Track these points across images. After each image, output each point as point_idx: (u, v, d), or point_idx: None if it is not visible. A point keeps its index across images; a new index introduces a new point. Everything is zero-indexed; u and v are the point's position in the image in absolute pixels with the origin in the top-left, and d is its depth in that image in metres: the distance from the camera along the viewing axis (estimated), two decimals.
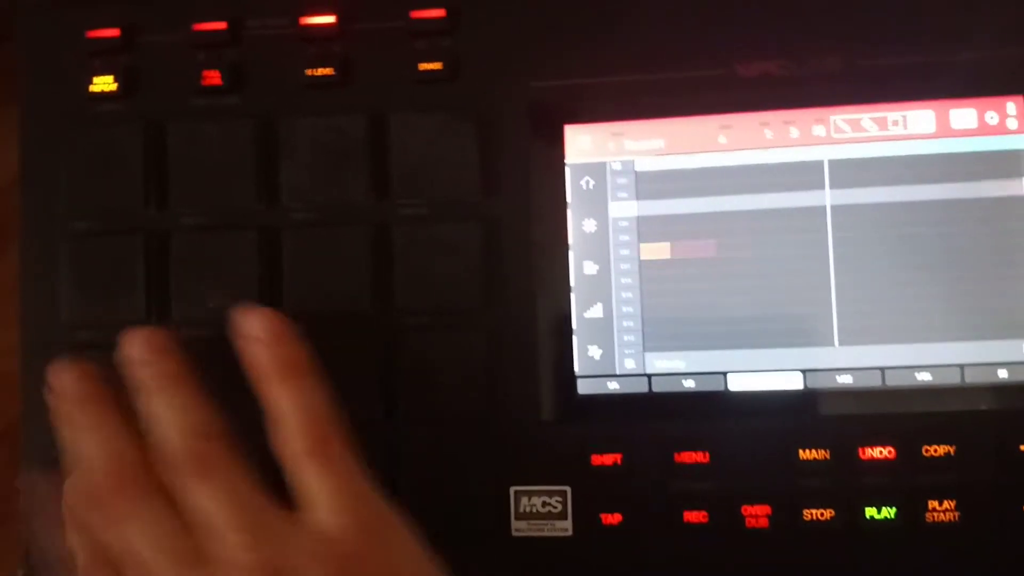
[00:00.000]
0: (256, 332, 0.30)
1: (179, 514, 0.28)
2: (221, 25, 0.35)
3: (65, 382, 0.30)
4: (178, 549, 0.28)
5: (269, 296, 0.35)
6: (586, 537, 0.34)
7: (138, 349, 0.30)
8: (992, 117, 0.34)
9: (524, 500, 0.34)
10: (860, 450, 0.33)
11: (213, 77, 0.35)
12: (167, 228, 0.35)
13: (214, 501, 0.28)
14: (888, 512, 0.33)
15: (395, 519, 0.29)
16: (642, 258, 0.34)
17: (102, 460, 0.29)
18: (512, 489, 0.34)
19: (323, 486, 0.28)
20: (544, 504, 0.34)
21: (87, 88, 0.35)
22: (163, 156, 0.35)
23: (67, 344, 0.35)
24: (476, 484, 0.35)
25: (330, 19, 0.35)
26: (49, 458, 0.35)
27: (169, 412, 0.29)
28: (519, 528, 0.34)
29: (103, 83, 0.35)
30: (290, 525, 0.28)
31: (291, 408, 0.29)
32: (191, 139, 0.35)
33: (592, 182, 0.35)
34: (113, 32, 0.35)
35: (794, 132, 0.34)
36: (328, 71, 0.35)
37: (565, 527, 0.34)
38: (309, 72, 0.35)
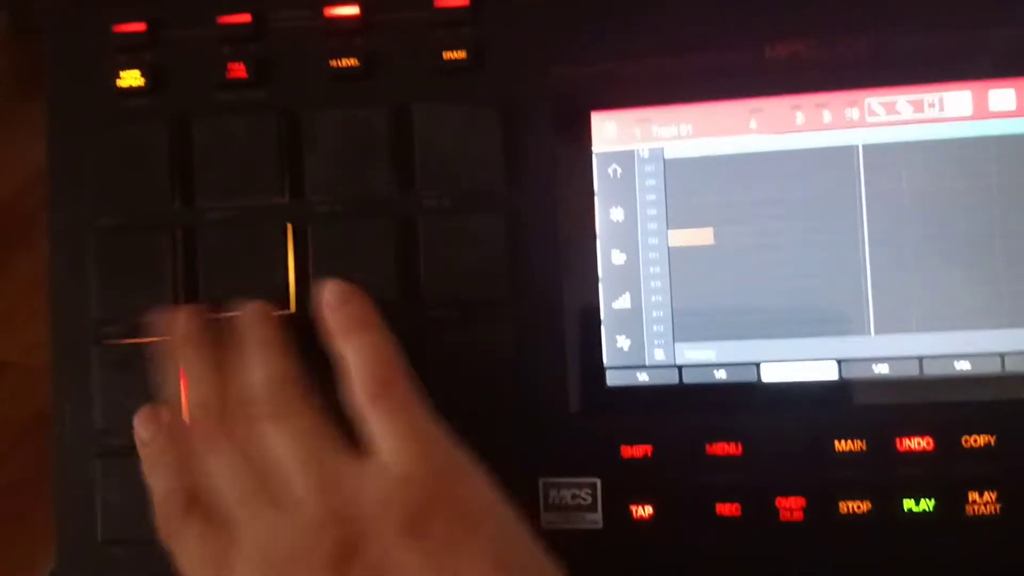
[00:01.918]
0: (328, 298, 0.31)
1: (261, 456, 0.30)
2: (246, 18, 0.35)
3: (179, 321, 0.32)
4: (256, 487, 0.29)
5: (297, 288, 0.35)
6: (616, 530, 0.34)
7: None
8: None
9: (553, 492, 0.34)
10: (897, 441, 0.33)
11: (238, 70, 0.35)
12: (194, 223, 0.35)
13: (286, 445, 0.29)
14: (927, 504, 0.32)
15: (464, 460, 0.30)
16: (671, 245, 0.34)
17: (201, 395, 0.31)
18: (541, 481, 0.34)
19: (388, 430, 0.29)
20: (574, 496, 0.34)
21: (114, 83, 0.36)
22: (189, 151, 0.35)
23: (96, 339, 0.35)
24: (505, 476, 0.34)
25: (354, 10, 0.35)
26: (79, 453, 0.35)
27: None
28: (549, 520, 0.34)
29: (131, 78, 0.35)
30: (360, 471, 0.29)
31: (356, 360, 0.30)
32: (217, 133, 0.35)
33: (619, 170, 0.34)
34: (139, 27, 0.35)
35: (827, 116, 0.33)
36: (353, 62, 0.35)
37: (595, 519, 0.34)
38: (333, 63, 0.35)
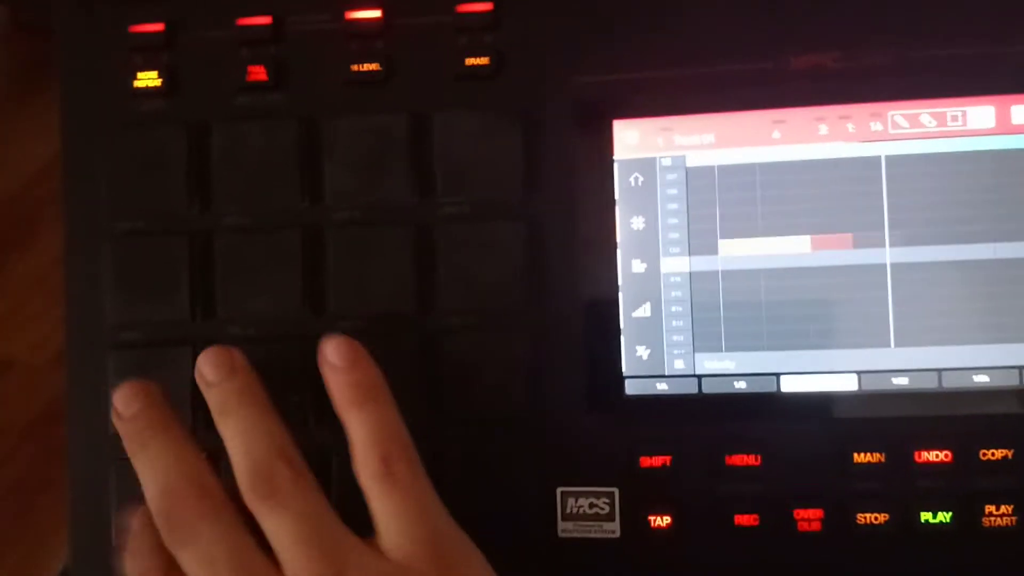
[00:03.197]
0: (331, 359, 0.30)
1: (255, 537, 0.28)
2: (265, 20, 0.35)
3: (132, 405, 0.30)
4: (256, 570, 0.28)
5: (312, 296, 0.34)
6: (634, 539, 0.34)
7: (207, 368, 0.30)
8: None
9: (571, 501, 0.34)
10: (916, 453, 0.33)
11: (258, 72, 0.34)
12: (210, 228, 0.35)
13: (284, 526, 0.28)
14: (944, 516, 0.33)
15: (465, 543, 0.29)
16: (692, 254, 0.34)
17: (177, 482, 0.29)
18: (559, 490, 0.34)
19: (390, 511, 0.28)
20: (591, 505, 0.34)
21: (131, 84, 0.35)
22: (206, 155, 0.35)
23: (112, 345, 0.35)
24: (522, 485, 0.34)
25: (375, 14, 0.34)
26: (92, 455, 0.35)
27: (237, 433, 0.29)
28: (566, 529, 0.34)
29: (147, 79, 0.35)
30: (359, 552, 0.28)
31: (360, 433, 0.29)
32: (234, 138, 0.35)
33: (641, 178, 0.34)
34: (157, 27, 0.35)
35: (850, 127, 0.33)
36: (373, 67, 0.34)
37: (613, 528, 0.34)
38: (354, 68, 0.34)
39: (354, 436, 0.29)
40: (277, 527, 0.28)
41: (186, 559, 0.28)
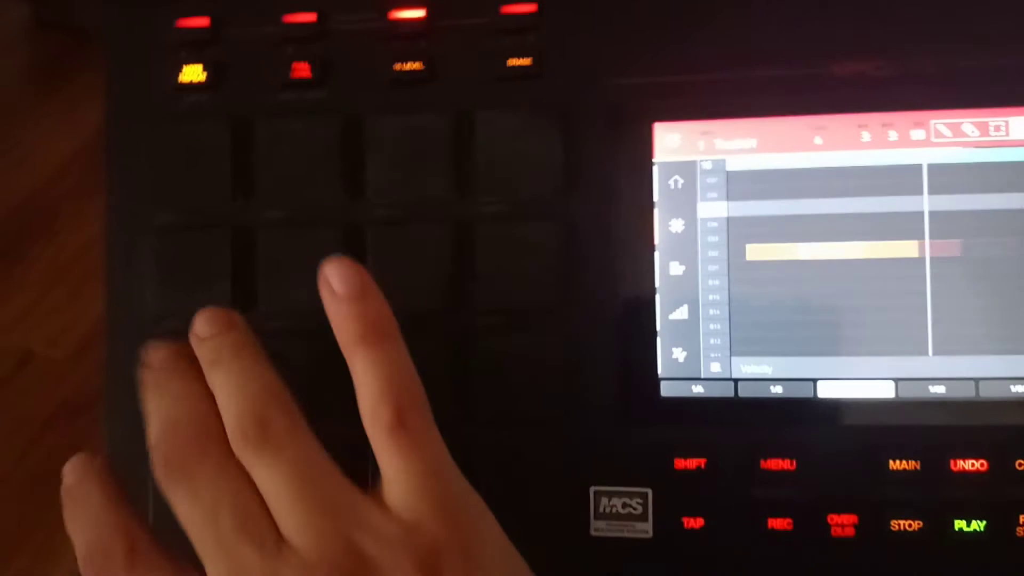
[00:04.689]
0: (336, 285, 0.28)
1: (239, 494, 0.26)
2: (311, 17, 0.35)
3: (161, 354, 0.30)
4: (258, 526, 0.26)
5: None
6: (666, 540, 0.34)
7: (201, 325, 0.29)
8: None
9: (604, 500, 0.34)
10: (951, 462, 0.33)
11: (303, 69, 0.35)
12: (252, 222, 0.35)
13: (279, 476, 0.26)
14: (978, 525, 0.33)
15: (477, 505, 0.28)
16: (731, 259, 0.34)
17: (188, 423, 0.27)
18: (592, 489, 0.34)
19: (401, 468, 0.26)
20: (624, 505, 0.34)
21: (175, 78, 0.35)
22: (249, 150, 0.35)
23: (151, 336, 0.35)
24: (555, 483, 0.34)
25: (420, 13, 0.35)
26: (131, 446, 0.35)
27: (228, 381, 0.27)
28: (598, 528, 0.34)
29: (192, 73, 0.35)
30: (363, 508, 0.26)
31: (369, 377, 0.27)
32: (277, 133, 0.35)
33: (681, 181, 0.34)
34: (203, 22, 0.35)
35: (892, 135, 0.33)
36: (417, 66, 0.35)
37: (645, 529, 0.34)
38: (397, 67, 0.35)
39: (362, 379, 0.27)
40: (271, 478, 0.26)
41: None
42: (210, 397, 0.28)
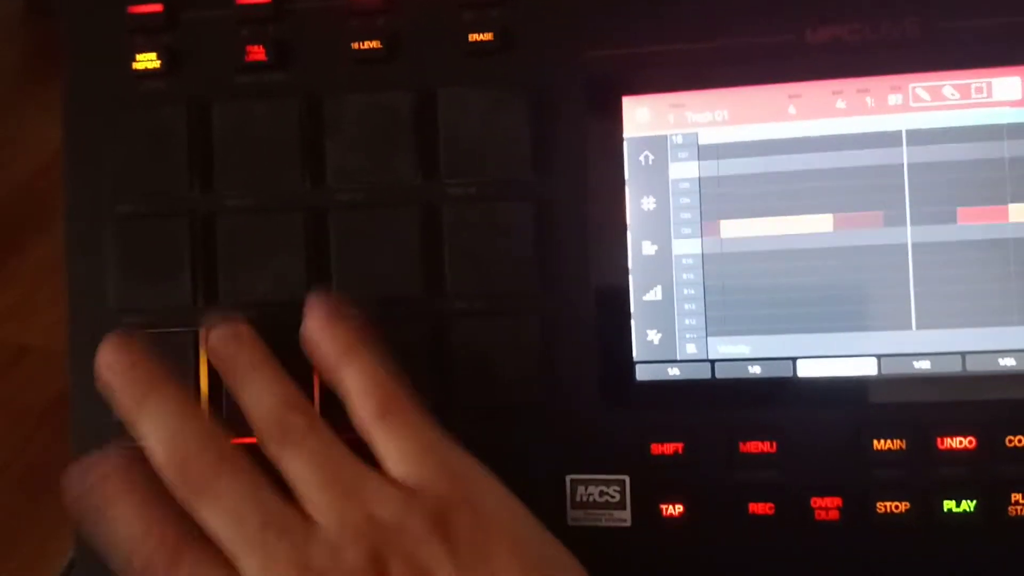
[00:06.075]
0: (315, 316, 0.31)
1: (274, 484, 0.29)
2: None
3: (123, 361, 0.30)
4: (281, 516, 0.28)
5: (316, 279, 0.34)
6: (645, 528, 0.33)
7: (215, 342, 0.31)
8: None
9: (580, 489, 0.33)
10: (938, 440, 0.31)
11: (257, 52, 0.34)
12: (212, 210, 0.34)
13: (303, 467, 0.28)
14: (967, 505, 0.31)
15: (477, 466, 0.29)
16: (705, 235, 0.33)
17: (188, 438, 0.29)
18: (568, 478, 0.33)
19: (397, 447, 0.29)
20: (601, 493, 0.33)
21: (130, 66, 0.35)
22: (208, 136, 0.34)
23: (114, 327, 0.34)
24: (531, 472, 0.33)
25: None
26: (98, 441, 0.35)
27: (252, 395, 0.30)
28: (575, 518, 0.33)
29: (146, 60, 0.34)
30: (377, 484, 0.28)
31: (354, 383, 0.30)
32: (236, 118, 0.34)
33: (651, 157, 0.33)
34: (156, 8, 0.34)
35: (869, 101, 0.32)
36: (375, 44, 0.34)
37: (623, 517, 0.33)
38: (356, 46, 0.34)
39: (349, 387, 0.30)
40: (297, 469, 0.28)
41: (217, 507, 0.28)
42: (200, 408, 0.31)
